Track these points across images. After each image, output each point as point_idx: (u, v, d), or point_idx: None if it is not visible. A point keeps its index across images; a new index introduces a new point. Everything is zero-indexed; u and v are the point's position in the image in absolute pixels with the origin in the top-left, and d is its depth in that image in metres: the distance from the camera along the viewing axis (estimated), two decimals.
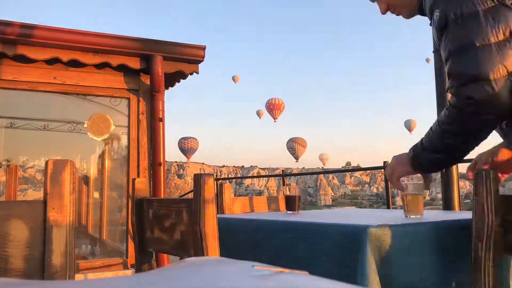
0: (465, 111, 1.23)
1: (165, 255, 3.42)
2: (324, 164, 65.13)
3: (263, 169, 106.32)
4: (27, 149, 5.64)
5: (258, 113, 67.41)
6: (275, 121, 47.80)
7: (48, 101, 3.82)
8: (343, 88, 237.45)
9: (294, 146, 53.05)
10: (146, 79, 3.55)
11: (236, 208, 2.57)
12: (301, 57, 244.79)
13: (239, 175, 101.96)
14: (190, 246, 1.24)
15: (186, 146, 44.79)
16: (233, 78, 64.35)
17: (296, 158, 52.79)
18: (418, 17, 1.54)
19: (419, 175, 1.48)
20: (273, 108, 46.91)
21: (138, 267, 1.56)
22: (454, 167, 2.47)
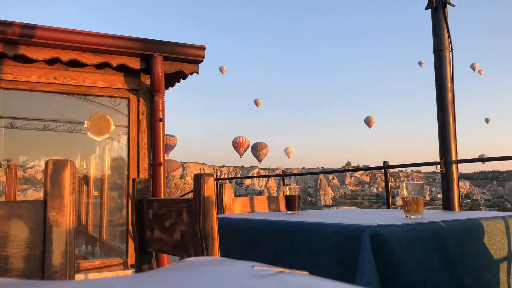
0: None
1: (165, 255, 3.42)
2: (289, 157, 67.81)
3: (263, 169, 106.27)
4: (27, 149, 5.64)
5: (256, 102, 70.45)
6: (240, 157, 51.49)
7: (48, 101, 3.82)
8: (344, 86, 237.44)
9: (256, 151, 58.71)
10: (146, 79, 3.55)
11: (236, 208, 2.57)
12: (301, 55, 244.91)
13: (239, 175, 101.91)
14: (190, 246, 1.24)
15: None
16: (220, 69, 66.32)
17: (259, 160, 57.14)
18: (417, 16, 1.53)
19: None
20: (237, 146, 51.12)
21: (138, 267, 1.56)
22: (454, 166, 2.46)
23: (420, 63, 79.16)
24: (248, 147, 52.02)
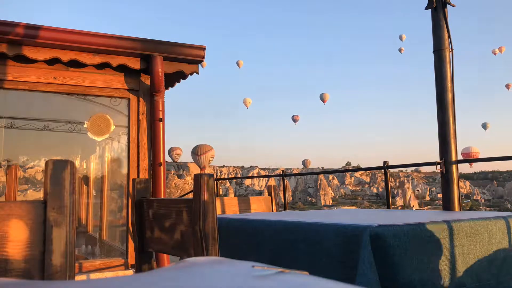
0: None
1: (165, 255, 3.42)
2: (247, 107, 68.71)
3: (263, 169, 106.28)
4: (27, 149, 5.64)
5: (238, 63, 76.08)
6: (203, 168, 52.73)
7: (48, 101, 3.82)
8: (345, 84, 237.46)
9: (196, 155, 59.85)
10: (146, 79, 3.55)
11: (236, 208, 2.58)
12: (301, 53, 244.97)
13: (239, 175, 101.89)
14: (190, 246, 1.24)
15: None
16: (201, 65, 67.64)
17: (201, 166, 57.70)
18: (413, 14, 1.54)
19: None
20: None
21: (138, 267, 1.56)
22: (454, 166, 2.46)
23: (401, 37, 79.48)
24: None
